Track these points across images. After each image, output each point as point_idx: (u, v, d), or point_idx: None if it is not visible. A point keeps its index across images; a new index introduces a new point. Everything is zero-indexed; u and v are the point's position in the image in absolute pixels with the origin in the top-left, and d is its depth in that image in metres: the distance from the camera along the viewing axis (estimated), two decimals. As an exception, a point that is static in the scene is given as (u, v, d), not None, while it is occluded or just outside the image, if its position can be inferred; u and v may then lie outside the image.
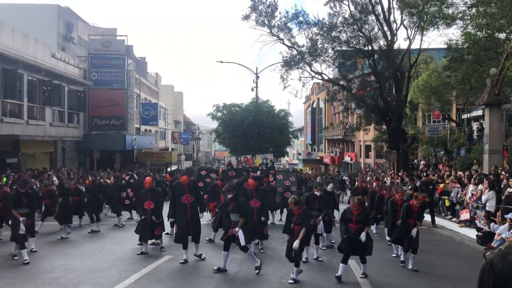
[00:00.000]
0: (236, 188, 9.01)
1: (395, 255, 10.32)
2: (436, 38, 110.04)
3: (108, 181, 18.44)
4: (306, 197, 10.30)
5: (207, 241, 11.80)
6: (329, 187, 12.03)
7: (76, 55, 31.20)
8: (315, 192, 10.26)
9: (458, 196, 15.78)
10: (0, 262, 9.46)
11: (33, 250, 10.32)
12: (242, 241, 8.54)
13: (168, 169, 43.06)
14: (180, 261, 9.50)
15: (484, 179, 13.64)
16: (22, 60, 21.42)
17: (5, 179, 16.17)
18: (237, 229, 8.51)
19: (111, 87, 32.47)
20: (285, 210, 16.15)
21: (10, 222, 10.28)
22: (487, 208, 12.85)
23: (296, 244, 7.83)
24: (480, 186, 13.70)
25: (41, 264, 9.36)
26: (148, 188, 10.54)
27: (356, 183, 17.19)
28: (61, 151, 27.91)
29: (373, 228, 12.68)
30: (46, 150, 26.31)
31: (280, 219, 15.80)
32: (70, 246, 11.36)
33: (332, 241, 11.40)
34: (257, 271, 8.66)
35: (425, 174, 20.56)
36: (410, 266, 9.14)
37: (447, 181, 17.56)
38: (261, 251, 10.80)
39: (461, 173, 16.81)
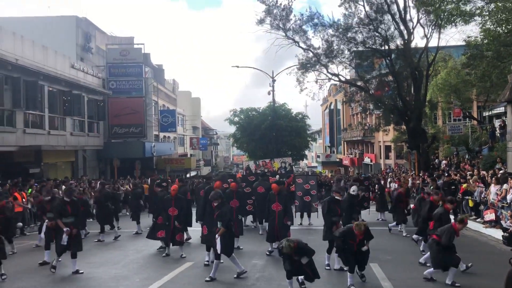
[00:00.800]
0: (222, 197, 9.12)
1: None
2: (454, 35, 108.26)
3: (124, 188, 18.70)
4: (327, 202, 10.05)
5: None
6: (352, 190, 11.65)
7: (95, 65, 31.69)
8: (336, 197, 10.06)
9: (482, 196, 15.45)
10: (24, 271, 9.61)
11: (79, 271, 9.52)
12: (219, 249, 8.61)
13: (188, 175, 43.34)
14: (205, 263, 9.80)
15: (509, 178, 13.33)
16: (43, 71, 21.85)
17: (30, 190, 16.46)
18: (216, 236, 8.62)
19: (129, 96, 32.85)
20: (305, 214, 16.09)
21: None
22: (513, 208, 12.55)
23: None
24: (504, 185, 13.39)
25: (64, 273, 9.48)
26: (173, 196, 10.81)
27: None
28: (82, 160, 28.32)
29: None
30: (67, 159, 26.74)
31: (301, 223, 15.70)
32: (93, 254, 11.48)
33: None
34: (235, 276, 8.80)
35: (446, 174, 20.20)
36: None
37: (470, 181, 17.22)
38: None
39: (484, 172, 16.45)
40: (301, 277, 7.77)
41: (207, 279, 8.60)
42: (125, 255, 11.37)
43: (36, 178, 20.79)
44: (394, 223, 14.22)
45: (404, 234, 13.43)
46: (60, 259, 10.03)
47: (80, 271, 9.27)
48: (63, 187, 17.99)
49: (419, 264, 9.46)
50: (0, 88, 19.42)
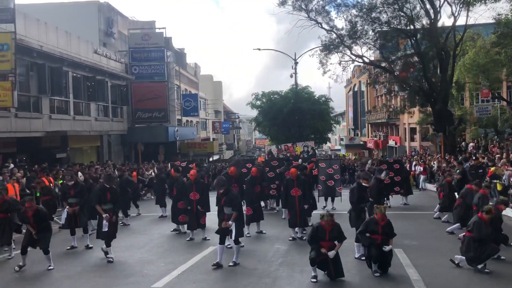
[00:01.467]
0: (226, 183, 9.01)
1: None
2: (484, 13, 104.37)
3: (149, 172, 18.85)
4: (356, 190, 9.73)
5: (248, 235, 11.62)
6: (383, 175, 11.19)
7: (117, 50, 31.86)
8: (363, 184, 9.80)
9: (511, 179, 15.03)
10: (54, 255, 9.82)
11: (89, 246, 10.46)
12: (234, 234, 8.59)
13: (211, 159, 43.59)
14: (227, 246, 9.55)
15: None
16: (67, 57, 22.08)
17: (61, 181, 16.54)
18: (230, 222, 8.56)
19: (152, 80, 33.00)
20: (329, 199, 15.94)
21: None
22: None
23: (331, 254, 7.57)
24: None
25: (91, 257, 9.67)
26: (193, 180, 10.97)
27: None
28: (107, 145, 28.74)
29: None
30: (92, 144, 27.17)
31: (325, 206, 15.56)
32: (118, 239, 11.58)
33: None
34: (231, 264, 8.64)
35: (474, 157, 19.72)
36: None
37: (498, 164, 16.77)
38: (303, 238, 10.73)
39: (513, 156, 15.99)
40: None
41: (231, 264, 8.63)
42: (150, 239, 11.53)
43: (63, 163, 21.25)
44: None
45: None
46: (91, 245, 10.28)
47: (110, 258, 9.27)
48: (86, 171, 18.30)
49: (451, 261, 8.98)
50: (26, 75, 19.73)
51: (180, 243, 10.94)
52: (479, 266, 7.98)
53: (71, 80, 23.31)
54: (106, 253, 9.33)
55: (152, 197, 19.16)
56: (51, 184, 16.00)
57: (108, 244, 9.29)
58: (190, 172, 11.38)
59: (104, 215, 9.29)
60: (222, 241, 8.65)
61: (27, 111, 19.59)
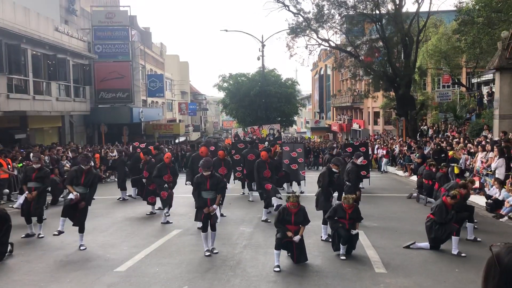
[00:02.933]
0: (212, 165, 8.68)
1: None
2: (446, 1, 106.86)
3: (113, 154, 18.61)
4: (327, 174, 9.74)
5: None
6: (359, 161, 11.31)
7: (80, 28, 30.83)
8: (333, 169, 9.83)
9: (468, 163, 15.65)
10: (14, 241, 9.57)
11: (40, 235, 9.81)
12: (219, 218, 8.54)
13: (177, 141, 43.26)
14: (198, 227, 9.69)
15: (495, 146, 13.48)
16: (25, 34, 21.18)
17: (20, 164, 16.05)
18: (215, 206, 8.24)
19: (116, 60, 32.21)
20: (294, 184, 16.12)
21: None
22: (497, 176, 12.74)
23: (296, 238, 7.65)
24: (490, 154, 13.55)
25: (52, 241, 9.47)
26: (167, 163, 11.30)
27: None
28: (69, 126, 27.98)
29: None
30: (54, 125, 26.41)
31: (293, 192, 15.75)
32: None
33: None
34: (207, 254, 8.26)
35: (433, 141, 20.38)
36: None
37: (456, 148, 17.41)
38: (268, 220, 10.92)
39: (470, 145, 16.59)
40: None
41: (207, 254, 8.25)
42: (113, 223, 11.41)
43: (22, 143, 20.60)
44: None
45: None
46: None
47: (82, 247, 8.86)
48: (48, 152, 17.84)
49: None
50: (-19, 52, 18.88)
51: (144, 227, 10.88)
52: (455, 252, 8.19)
53: (30, 58, 22.43)
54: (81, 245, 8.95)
55: (115, 180, 18.88)
56: (10, 166, 15.56)
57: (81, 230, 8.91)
58: (165, 155, 11.62)
59: (74, 193, 8.72)
60: (205, 229, 8.25)
61: (-17, 90, 18.81)
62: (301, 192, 15.17)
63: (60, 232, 8.88)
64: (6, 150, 17.06)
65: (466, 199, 9.52)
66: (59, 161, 17.74)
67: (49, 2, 27.64)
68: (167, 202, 11.11)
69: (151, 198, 12.26)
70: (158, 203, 12.17)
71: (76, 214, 8.87)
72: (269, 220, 10.81)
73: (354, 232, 8.12)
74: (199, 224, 9.61)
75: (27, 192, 9.97)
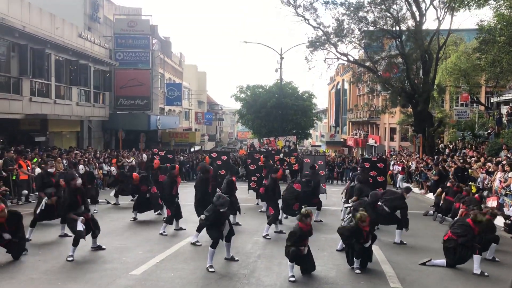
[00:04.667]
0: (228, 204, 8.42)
1: None
2: (467, 19, 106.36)
3: (129, 160, 18.74)
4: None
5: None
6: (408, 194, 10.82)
7: (102, 35, 31.41)
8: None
9: (486, 182, 15.44)
10: (32, 242, 9.72)
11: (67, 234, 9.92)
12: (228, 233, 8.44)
13: (192, 149, 43.54)
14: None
15: (514, 166, 13.29)
16: (50, 40, 21.68)
17: (35, 159, 16.52)
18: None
19: (136, 67, 32.69)
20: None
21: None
22: (516, 196, 12.55)
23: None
24: (510, 174, 13.36)
25: (69, 242, 9.58)
26: (176, 175, 11.10)
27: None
28: (87, 131, 28.40)
29: None
30: (73, 129, 26.82)
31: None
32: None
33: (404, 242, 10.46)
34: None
35: (451, 159, 20.18)
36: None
37: (474, 166, 17.20)
38: (283, 232, 10.92)
39: (489, 164, 16.37)
40: None
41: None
42: (129, 227, 11.51)
43: (42, 146, 20.95)
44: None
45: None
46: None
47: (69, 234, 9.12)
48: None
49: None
50: (7, 55, 19.33)
51: (159, 232, 10.94)
52: (478, 272, 8.05)
53: (53, 63, 22.92)
54: (99, 247, 9.11)
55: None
56: (29, 167, 15.84)
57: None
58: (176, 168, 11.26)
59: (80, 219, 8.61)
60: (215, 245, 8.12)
61: (7, 92, 19.21)
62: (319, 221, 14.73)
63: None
64: (25, 151, 17.36)
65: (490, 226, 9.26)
66: (77, 164, 17.97)
67: (74, 9, 28.25)
68: (173, 217, 11.00)
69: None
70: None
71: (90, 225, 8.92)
72: (268, 237, 10.62)
73: (367, 244, 8.04)
74: (194, 239, 9.77)
75: (46, 198, 10.18)
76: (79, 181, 8.95)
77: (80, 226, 8.47)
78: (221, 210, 8.07)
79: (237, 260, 8.42)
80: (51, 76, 22.79)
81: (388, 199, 10.43)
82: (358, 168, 15.95)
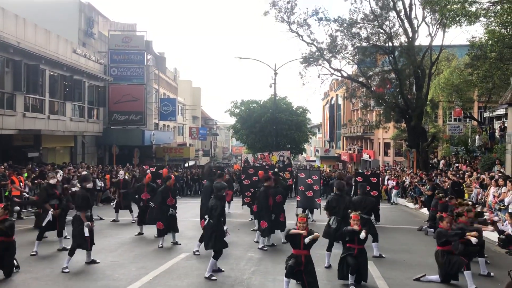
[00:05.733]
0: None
1: None
2: (459, 35, 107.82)
3: (121, 176, 18.64)
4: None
5: None
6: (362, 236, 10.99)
7: (97, 51, 31.54)
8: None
9: (479, 197, 15.49)
10: (23, 257, 9.60)
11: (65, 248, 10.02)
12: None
13: (186, 165, 43.43)
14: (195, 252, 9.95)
15: (508, 181, 13.36)
16: (45, 55, 21.74)
17: (26, 174, 16.42)
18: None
19: (130, 83, 32.78)
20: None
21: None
22: (510, 211, 12.58)
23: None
24: (503, 188, 13.42)
25: (61, 258, 9.48)
26: (170, 187, 11.20)
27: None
28: (81, 146, 28.31)
29: None
30: (66, 144, 26.72)
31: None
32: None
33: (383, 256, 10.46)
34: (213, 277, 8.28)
35: (445, 174, 20.26)
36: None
37: (467, 181, 17.27)
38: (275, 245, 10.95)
39: (483, 176, 16.46)
40: None
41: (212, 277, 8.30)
42: (122, 243, 11.40)
43: (34, 161, 20.82)
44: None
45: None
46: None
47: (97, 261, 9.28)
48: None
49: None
50: (1, 71, 19.35)
51: (153, 248, 10.85)
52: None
53: (47, 78, 22.94)
54: (93, 261, 9.19)
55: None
56: (22, 183, 15.73)
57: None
58: (171, 179, 11.39)
59: (86, 223, 8.79)
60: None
61: (0, 108, 19.17)
62: (312, 221, 15.04)
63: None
64: (19, 167, 17.26)
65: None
66: (70, 180, 17.88)
67: (69, 25, 28.44)
68: (166, 231, 11.02)
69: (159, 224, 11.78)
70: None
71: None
72: (265, 248, 10.74)
73: (362, 236, 7.89)
74: (196, 248, 9.98)
75: (52, 209, 10.25)
76: (91, 184, 9.50)
77: (87, 232, 8.71)
78: (223, 194, 8.57)
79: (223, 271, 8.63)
80: (45, 91, 22.78)
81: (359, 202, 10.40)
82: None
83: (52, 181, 10.62)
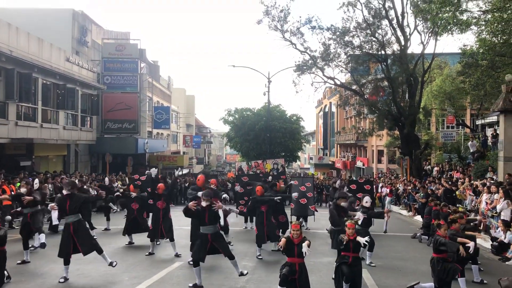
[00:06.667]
0: (212, 196, 8.65)
1: None
2: (451, 43, 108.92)
3: (115, 184, 18.61)
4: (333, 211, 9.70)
5: None
6: (366, 201, 10.42)
7: (90, 59, 31.49)
8: (342, 204, 9.77)
9: (473, 204, 15.55)
10: (14, 268, 9.50)
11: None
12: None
13: (180, 173, 43.26)
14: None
15: (500, 188, 13.43)
16: (37, 64, 21.67)
17: (18, 183, 16.24)
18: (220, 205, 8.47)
19: (124, 91, 32.72)
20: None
21: None
22: (502, 217, 12.64)
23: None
24: (495, 195, 13.49)
25: (53, 268, 9.40)
26: (161, 193, 11.23)
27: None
28: (74, 154, 28.15)
29: None
30: (59, 153, 26.57)
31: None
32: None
33: (373, 264, 10.38)
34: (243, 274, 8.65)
35: (437, 181, 20.33)
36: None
37: (460, 188, 17.33)
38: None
39: (476, 182, 16.55)
40: None
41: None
42: (115, 253, 11.30)
43: (27, 170, 20.66)
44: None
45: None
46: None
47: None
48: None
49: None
50: (-6, 79, 19.26)
51: (146, 258, 10.78)
52: None
53: (40, 87, 22.84)
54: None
55: (118, 210, 18.82)
56: (13, 192, 15.57)
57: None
58: (158, 186, 11.45)
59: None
60: (198, 263, 8.23)
61: (-8, 117, 19.06)
62: (306, 229, 15.02)
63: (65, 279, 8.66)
64: (10, 176, 17.11)
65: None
66: (63, 189, 17.73)
67: (62, 33, 28.41)
68: (153, 232, 11.10)
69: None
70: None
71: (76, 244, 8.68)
72: (260, 257, 10.76)
73: (361, 240, 7.76)
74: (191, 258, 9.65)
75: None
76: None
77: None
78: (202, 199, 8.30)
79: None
80: (37, 100, 22.67)
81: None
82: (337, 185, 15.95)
83: (22, 190, 10.73)
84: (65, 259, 8.57)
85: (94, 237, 10.93)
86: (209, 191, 8.86)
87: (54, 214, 9.23)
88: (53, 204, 8.88)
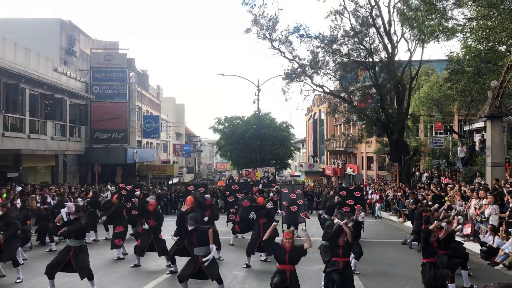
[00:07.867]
0: (199, 220, 8.38)
1: None
2: (437, 50, 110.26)
3: (105, 195, 18.48)
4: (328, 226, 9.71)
5: None
6: (362, 217, 9.88)
7: (78, 69, 31.31)
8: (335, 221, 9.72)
9: (462, 209, 15.65)
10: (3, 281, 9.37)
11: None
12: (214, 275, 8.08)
13: (170, 182, 43.06)
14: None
15: (488, 193, 13.54)
16: (24, 74, 21.47)
17: (5, 194, 16.05)
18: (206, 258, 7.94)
19: (113, 100, 32.54)
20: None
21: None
22: (490, 222, 12.74)
23: None
24: (484, 200, 13.60)
25: (40, 281, 9.26)
26: (152, 210, 10.75)
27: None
28: (63, 165, 27.89)
29: None
30: (47, 164, 26.30)
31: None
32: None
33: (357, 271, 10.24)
34: None
35: (428, 187, 20.45)
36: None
37: (450, 194, 17.45)
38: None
39: (465, 188, 16.67)
40: None
41: None
42: (104, 264, 11.19)
43: (14, 182, 20.40)
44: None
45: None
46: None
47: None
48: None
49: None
50: (-20, 90, 19.05)
51: (135, 269, 10.67)
52: None
53: (28, 97, 22.63)
54: None
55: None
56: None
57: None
58: (150, 203, 10.83)
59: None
60: (184, 279, 8.03)
61: (-21, 128, 18.83)
62: (297, 236, 14.97)
63: None
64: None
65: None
66: (53, 201, 17.54)
67: (50, 43, 28.23)
68: (142, 251, 10.74)
69: (117, 240, 11.90)
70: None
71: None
72: (246, 266, 10.78)
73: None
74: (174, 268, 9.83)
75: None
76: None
77: None
78: (189, 223, 8.06)
79: None
80: (25, 110, 22.46)
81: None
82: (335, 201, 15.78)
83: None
84: (49, 275, 8.35)
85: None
86: (197, 214, 8.60)
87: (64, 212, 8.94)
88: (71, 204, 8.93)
